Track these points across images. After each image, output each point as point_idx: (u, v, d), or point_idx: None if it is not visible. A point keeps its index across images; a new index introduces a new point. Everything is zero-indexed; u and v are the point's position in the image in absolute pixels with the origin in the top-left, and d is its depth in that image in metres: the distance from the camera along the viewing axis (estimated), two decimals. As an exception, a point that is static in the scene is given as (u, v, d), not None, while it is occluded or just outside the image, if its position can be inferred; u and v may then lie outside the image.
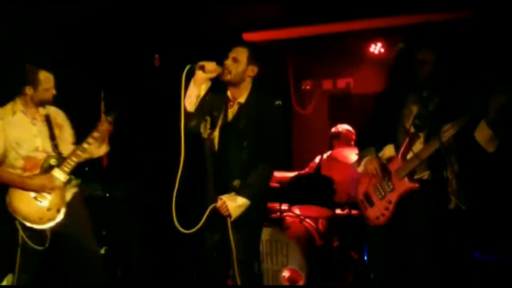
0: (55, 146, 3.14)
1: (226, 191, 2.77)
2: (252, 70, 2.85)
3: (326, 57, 5.53)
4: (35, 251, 3.02)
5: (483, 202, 3.50)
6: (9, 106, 3.12)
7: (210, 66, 2.74)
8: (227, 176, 2.80)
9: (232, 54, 2.82)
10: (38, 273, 3.20)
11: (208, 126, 2.86)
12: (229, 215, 2.73)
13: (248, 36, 5.36)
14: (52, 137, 3.15)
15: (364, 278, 4.20)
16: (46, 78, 3.07)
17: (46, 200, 3.05)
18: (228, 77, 2.80)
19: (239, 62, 2.80)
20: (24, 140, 3.07)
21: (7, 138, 3.04)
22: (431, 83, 2.74)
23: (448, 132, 2.58)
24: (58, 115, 3.27)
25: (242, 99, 2.85)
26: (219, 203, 2.74)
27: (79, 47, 4.32)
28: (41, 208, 3.03)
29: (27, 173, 3.06)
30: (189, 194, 2.91)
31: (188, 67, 2.71)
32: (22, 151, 3.06)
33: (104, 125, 3.14)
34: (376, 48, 5.20)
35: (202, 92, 2.82)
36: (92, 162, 3.43)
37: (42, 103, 3.14)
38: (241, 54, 2.81)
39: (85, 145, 3.13)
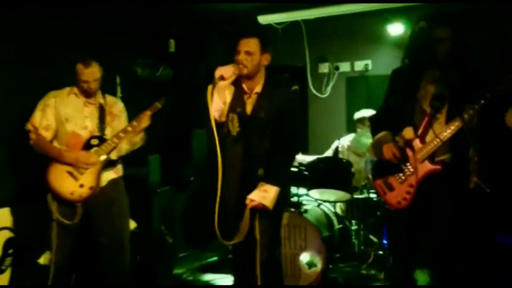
0: (102, 129, 3.22)
1: (252, 181, 2.74)
2: (266, 59, 2.82)
3: (344, 38, 5.44)
4: (67, 227, 3.08)
5: (506, 184, 3.42)
6: (66, 89, 3.25)
7: (228, 71, 2.71)
8: (252, 166, 2.77)
9: (243, 48, 2.76)
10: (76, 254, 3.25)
11: (237, 124, 2.83)
12: (267, 208, 2.70)
13: (263, 19, 5.30)
14: (102, 121, 3.23)
15: (383, 262, 4.17)
16: (80, 71, 3.13)
17: (80, 176, 3.10)
18: (245, 71, 2.76)
19: (252, 54, 2.75)
20: (74, 117, 3.18)
21: (58, 114, 3.17)
22: (450, 61, 2.65)
23: (470, 111, 2.51)
24: (115, 106, 3.36)
25: (258, 89, 2.83)
26: (251, 204, 2.71)
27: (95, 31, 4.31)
28: (74, 183, 3.09)
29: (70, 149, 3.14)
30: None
31: (209, 87, 2.68)
32: (70, 126, 3.16)
33: (145, 116, 3.19)
34: (395, 28, 5.09)
35: (228, 98, 2.84)
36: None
37: (84, 92, 3.21)
38: (252, 45, 2.76)
39: (128, 128, 3.19)
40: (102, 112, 3.26)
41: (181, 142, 5.15)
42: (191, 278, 4.37)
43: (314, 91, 5.65)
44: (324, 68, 5.61)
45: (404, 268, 2.85)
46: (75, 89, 3.24)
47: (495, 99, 2.46)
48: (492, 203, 2.78)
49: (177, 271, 4.43)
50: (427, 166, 2.67)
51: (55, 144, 3.19)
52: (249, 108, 2.83)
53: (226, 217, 2.79)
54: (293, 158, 2.89)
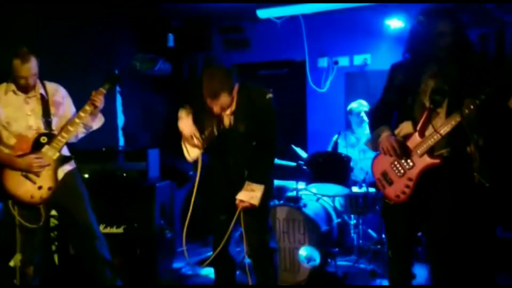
0: (48, 124, 3.10)
1: (239, 184, 2.94)
2: (235, 90, 2.94)
3: (343, 33, 5.43)
4: (33, 229, 3.04)
5: (506, 179, 3.42)
6: (2, 86, 3.11)
7: (188, 130, 3.00)
8: (239, 172, 2.97)
9: (216, 104, 2.88)
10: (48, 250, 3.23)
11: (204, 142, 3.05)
12: (254, 206, 2.92)
13: (262, 13, 5.29)
14: (46, 115, 3.11)
15: (381, 257, 4.18)
16: (17, 67, 2.99)
17: (36, 179, 3.03)
18: (228, 112, 2.96)
19: (225, 101, 2.89)
20: (16, 119, 3.06)
21: None
22: (450, 55, 2.64)
23: (470, 106, 2.50)
24: (57, 92, 3.22)
25: (233, 107, 2.97)
26: (241, 205, 2.94)
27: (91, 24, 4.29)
28: (32, 186, 3.02)
29: (18, 152, 3.04)
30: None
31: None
32: (14, 129, 3.06)
33: (97, 97, 3.09)
34: (394, 22, 5.08)
35: (191, 128, 3.04)
36: (108, 143, 3.45)
37: (22, 88, 3.07)
38: (223, 97, 2.87)
39: (76, 120, 3.09)
40: (45, 105, 3.12)
41: (180, 136, 5.14)
42: (190, 272, 4.39)
43: (313, 85, 5.64)
44: (323, 62, 5.60)
45: (403, 262, 2.85)
46: (12, 86, 3.09)
47: (496, 94, 2.45)
48: (492, 197, 2.77)
49: (176, 265, 4.45)
50: (426, 160, 2.67)
51: (2, 148, 3.08)
52: (227, 124, 3.00)
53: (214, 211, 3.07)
54: (274, 157, 3.08)
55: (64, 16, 4.03)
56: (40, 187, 3.04)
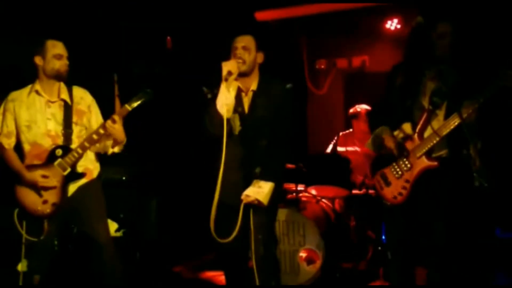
0: (68, 134, 2.97)
1: (251, 179, 2.77)
2: (260, 57, 2.86)
3: (341, 35, 5.44)
4: (36, 242, 2.93)
5: (504, 180, 3.43)
6: (27, 88, 3.02)
7: (234, 65, 2.73)
8: (251, 165, 2.80)
9: (240, 44, 2.81)
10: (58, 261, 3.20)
11: (238, 123, 2.85)
12: (262, 204, 2.73)
13: (260, 15, 5.29)
14: (67, 123, 2.98)
15: (382, 258, 4.18)
16: (53, 45, 2.92)
17: (43, 192, 2.92)
18: (243, 67, 2.79)
19: (249, 49, 2.80)
20: (35, 122, 2.96)
21: (18, 120, 2.97)
22: (450, 57, 2.65)
23: (469, 108, 2.51)
24: (83, 101, 3.06)
25: (254, 87, 2.86)
26: (246, 199, 2.74)
27: (89, 30, 4.30)
28: (38, 199, 2.92)
29: (32, 161, 2.95)
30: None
31: (223, 84, 2.70)
32: (31, 134, 2.96)
33: (113, 122, 2.89)
34: (392, 24, 5.09)
35: (233, 93, 2.84)
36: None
37: (55, 75, 2.95)
38: (248, 41, 2.81)
39: (94, 136, 2.93)
40: (67, 112, 2.98)
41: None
42: (190, 275, 4.38)
43: (311, 87, 5.64)
44: (321, 64, 5.60)
45: (402, 264, 2.85)
46: (37, 85, 2.98)
47: (495, 97, 2.46)
48: (490, 198, 2.78)
49: (176, 268, 4.45)
50: (424, 162, 2.68)
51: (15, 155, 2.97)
52: (246, 107, 2.86)
53: (224, 216, 2.79)
54: (288, 155, 2.94)
55: (61, 22, 4.04)
56: (45, 201, 2.93)
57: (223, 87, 2.75)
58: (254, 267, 2.82)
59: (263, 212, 2.79)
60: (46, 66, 2.95)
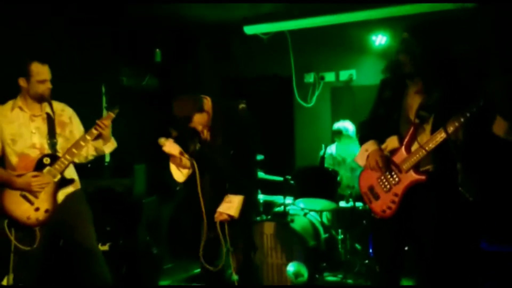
0: (53, 145, 3.04)
1: (222, 197, 3.02)
2: (209, 106, 3.05)
3: (329, 49, 5.49)
4: (27, 251, 2.93)
5: (490, 193, 3.46)
6: (9, 103, 3.08)
7: (174, 150, 3.02)
8: (221, 187, 3.03)
9: (194, 124, 3.01)
10: (44, 273, 3.16)
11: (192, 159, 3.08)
12: (233, 217, 2.98)
13: (249, 29, 5.33)
14: (51, 135, 3.04)
15: (369, 271, 4.18)
16: (38, 70, 2.96)
17: (34, 200, 2.95)
18: (206, 128, 3.07)
19: (201, 119, 3.01)
20: (20, 136, 3.01)
21: (2, 133, 2.99)
22: (436, 71, 2.67)
23: (454, 122, 2.53)
24: (64, 113, 3.16)
25: (209, 123, 3.07)
26: (218, 218, 3.00)
27: (80, 40, 4.29)
28: (29, 207, 2.94)
29: (21, 171, 2.97)
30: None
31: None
32: (17, 147, 3.00)
33: (103, 122, 3.03)
34: (379, 39, 5.16)
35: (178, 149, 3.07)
36: (95, 159, 3.41)
37: (38, 97, 3.02)
38: (197, 117, 3.00)
39: (81, 142, 3.01)
40: (50, 124, 3.05)
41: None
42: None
43: (299, 100, 5.68)
44: (310, 78, 5.65)
45: (390, 277, 2.85)
46: (19, 102, 3.05)
47: (481, 111, 2.47)
48: (476, 211, 2.80)
49: (163, 282, 4.39)
50: (412, 176, 2.69)
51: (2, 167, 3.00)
52: (207, 138, 3.10)
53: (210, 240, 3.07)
54: (253, 167, 3.17)
55: (51, 32, 4.02)
56: (37, 209, 2.94)
57: (171, 165, 3.10)
58: (234, 274, 3.08)
59: (238, 224, 3.02)
60: (30, 89, 3.01)
